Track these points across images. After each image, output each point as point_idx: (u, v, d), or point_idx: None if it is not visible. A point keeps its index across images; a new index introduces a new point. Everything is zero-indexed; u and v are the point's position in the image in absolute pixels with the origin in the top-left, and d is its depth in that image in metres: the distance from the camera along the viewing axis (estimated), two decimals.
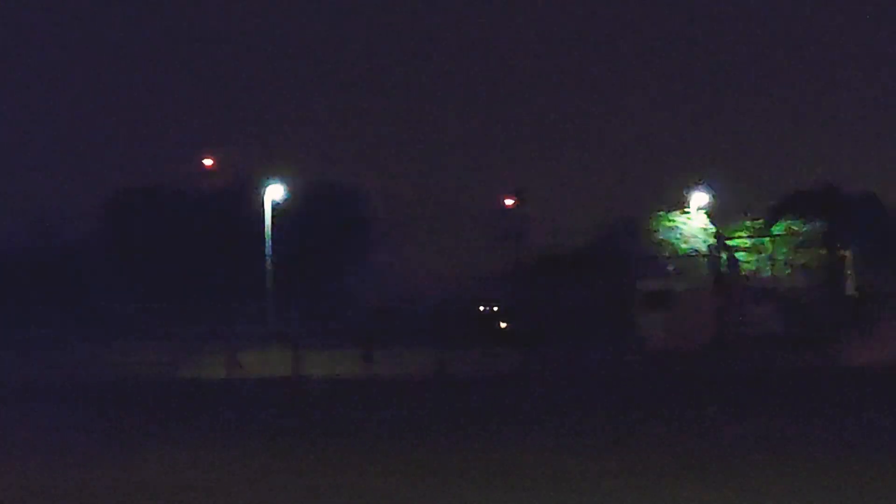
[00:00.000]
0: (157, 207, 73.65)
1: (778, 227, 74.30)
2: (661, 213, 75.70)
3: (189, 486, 20.51)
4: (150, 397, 42.17)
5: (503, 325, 65.90)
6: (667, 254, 74.08)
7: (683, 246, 74.81)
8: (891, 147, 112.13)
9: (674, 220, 75.41)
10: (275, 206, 70.48)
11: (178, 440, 27.85)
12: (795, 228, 73.71)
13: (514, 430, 28.76)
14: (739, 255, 74.64)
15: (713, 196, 76.75)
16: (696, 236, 75.30)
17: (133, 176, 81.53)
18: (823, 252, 72.91)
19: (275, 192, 71.09)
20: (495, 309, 67.43)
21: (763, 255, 74.21)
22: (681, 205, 76.26)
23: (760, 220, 75.55)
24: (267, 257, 68.05)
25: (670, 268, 72.69)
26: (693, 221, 75.88)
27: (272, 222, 69.14)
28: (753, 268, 74.21)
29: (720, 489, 19.30)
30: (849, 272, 71.69)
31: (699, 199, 76.32)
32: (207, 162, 77.73)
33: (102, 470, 22.49)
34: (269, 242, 68.49)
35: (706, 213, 76.33)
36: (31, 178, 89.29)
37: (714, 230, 75.43)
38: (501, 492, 19.33)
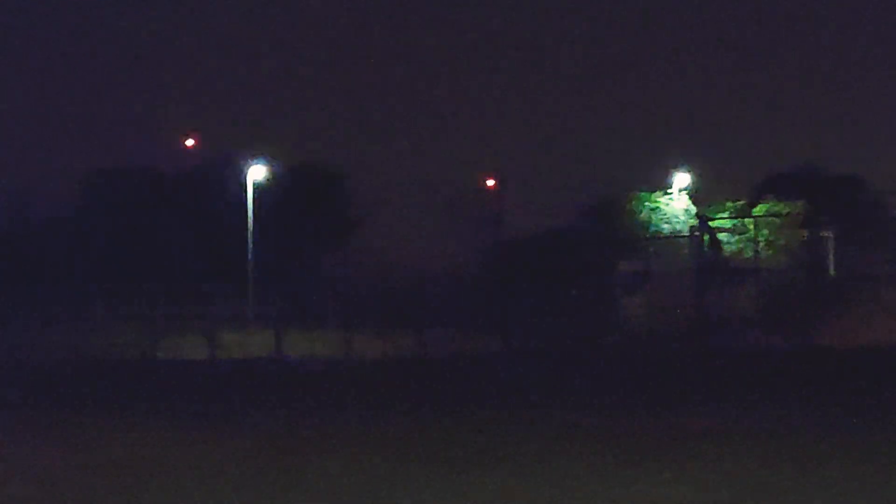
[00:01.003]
0: (137, 187, 73.42)
1: (760, 209, 74.34)
2: (643, 193, 75.70)
3: (160, 463, 20.48)
4: (127, 378, 42.12)
5: None
6: (648, 235, 74.06)
7: (665, 227, 74.80)
8: (873, 128, 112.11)
9: (655, 202, 75.39)
10: (256, 187, 70.34)
11: (154, 420, 27.80)
12: (777, 209, 73.74)
13: (479, 411, 28.76)
14: (721, 237, 74.64)
15: (695, 177, 76.80)
16: (677, 217, 75.29)
17: (112, 154, 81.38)
18: (804, 233, 72.99)
19: (257, 173, 70.93)
20: None
21: (745, 235, 74.22)
22: (662, 186, 76.28)
23: (742, 201, 75.59)
24: (249, 238, 67.90)
25: (651, 249, 72.66)
26: (675, 202, 75.88)
27: (253, 203, 69.04)
28: (735, 249, 74.25)
29: (694, 476, 19.28)
30: (830, 253, 71.76)
31: (681, 180, 76.34)
32: (189, 142, 77.56)
33: (71, 449, 22.47)
34: (251, 223, 68.35)
35: (688, 193, 76.34)
36: (7, 154, 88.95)
37: (696, 211, 75.43)
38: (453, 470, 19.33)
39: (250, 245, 67.51)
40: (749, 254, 73.04)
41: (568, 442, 22.78)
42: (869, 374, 39.02)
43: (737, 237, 74.40)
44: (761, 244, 73.22)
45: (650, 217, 75.31)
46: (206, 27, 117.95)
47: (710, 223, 74.78)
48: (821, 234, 72.84)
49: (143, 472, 19.90)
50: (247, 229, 68.13)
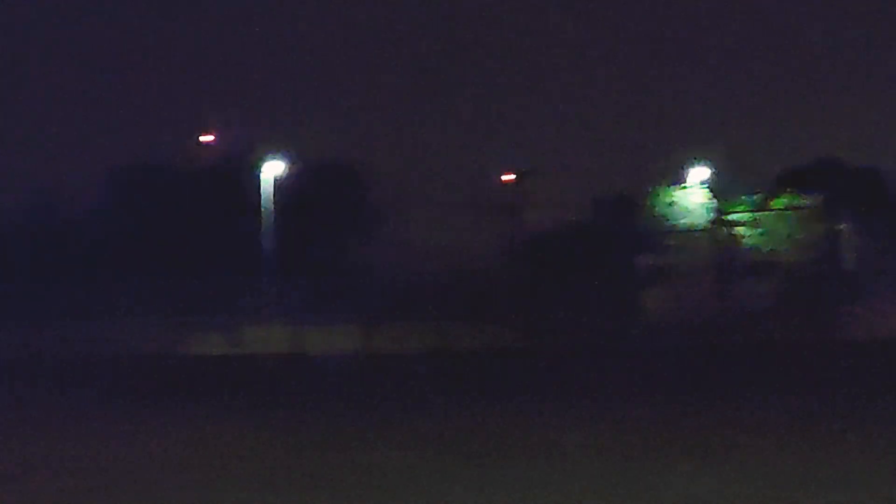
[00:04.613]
0: (157, 183, 73.65)
1: (778, 202, 74.19)
2: (660, 188, 75.59)
3: (183, 462, 20.69)
4: (149, 374, 42.35)
5: None
6: (666, 229, 74.03)
7: (683, 221, 74.73)
8: (893, 120, 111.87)
9: (673, 196, 75.27)
10: (275, 183, 70.45)
11: (175, 416, 28.00)
12: (796, 203, 73.62)
13: (508, 404, 28.91)
14: (739, 230, 74.59)
15: (713, 171, 76.61)
16: (695, 211, 75.20)
17: (133, 151, 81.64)
18: (822, 226, 72.91)
19: (274, 168, 71.06)
20: None
21: (763, 229, 74.15)
22: (680, 180, 76.14)
23: (761, 195, 75.43)
24: (262, 231, 68.06)
25: (670, 243, 72.67)
26: (692, 196, 75.72)
27: (273, 199, 69.19)
28: (753, 242, 74.21)
29: (716, 469, 19.43)
30: (848, 246, 71.68)
31: (699, 173, 76.17)
32: (207, 137, 77.69)
33: (101, 445, 22.66)
34: (268, 218, 68.52)
35: (706, 187, 76.21)
36: (33, 152, 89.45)
37: (714, 205, 75.37)
38: (491, 464, 19.51)
39: (264, 240, 67.70)
40: (768, 248, 73.01)
41: (578, 434, 22.93)
42: (888, 366, 39.12)
43: (755, 231, 74.35)
44: (779, 238, 73.16)
45: (668, 211, 75.28)
46: (225, 24, 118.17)
47: (728, 217, 74.73)
48: (839, 228, 72.73)
49: (164, 469, 20.13)
50: (265, 224, 68.33)
